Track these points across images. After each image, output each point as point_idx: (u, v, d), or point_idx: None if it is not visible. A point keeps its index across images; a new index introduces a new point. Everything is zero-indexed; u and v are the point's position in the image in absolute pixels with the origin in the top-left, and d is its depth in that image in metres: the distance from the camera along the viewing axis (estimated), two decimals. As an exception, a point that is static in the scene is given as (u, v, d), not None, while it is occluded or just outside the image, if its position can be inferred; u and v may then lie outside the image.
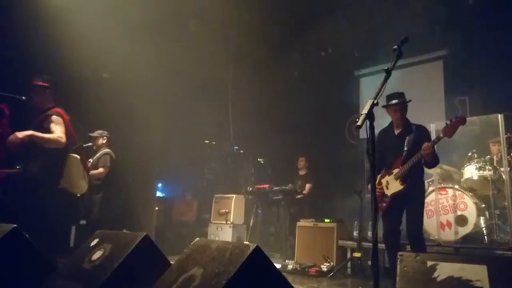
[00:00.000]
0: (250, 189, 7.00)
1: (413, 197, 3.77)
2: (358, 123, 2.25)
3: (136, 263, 2.24)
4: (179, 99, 7.56)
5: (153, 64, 6.74)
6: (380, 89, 2.43)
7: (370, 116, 2.32)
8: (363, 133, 7.20)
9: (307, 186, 7.00)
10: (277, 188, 6.58)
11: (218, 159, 9.09)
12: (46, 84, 4.10)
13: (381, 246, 4.08)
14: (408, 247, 4.07)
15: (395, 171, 3.82)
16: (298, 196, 6.76)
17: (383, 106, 3.94)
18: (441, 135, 3.59)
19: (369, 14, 6.89)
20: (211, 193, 7.78)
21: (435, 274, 1.56)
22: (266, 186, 6.72)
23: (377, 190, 3.87)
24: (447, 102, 6.73)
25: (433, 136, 4.01)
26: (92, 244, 2.53)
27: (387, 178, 3.91)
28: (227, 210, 6.99)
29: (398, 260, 1.67)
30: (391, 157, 3.92)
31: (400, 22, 6.03)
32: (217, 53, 7.68)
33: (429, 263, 1.60)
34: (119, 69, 6.50)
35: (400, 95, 3.91)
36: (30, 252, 2.85)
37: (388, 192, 3.86)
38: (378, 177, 3.96)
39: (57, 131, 3.89)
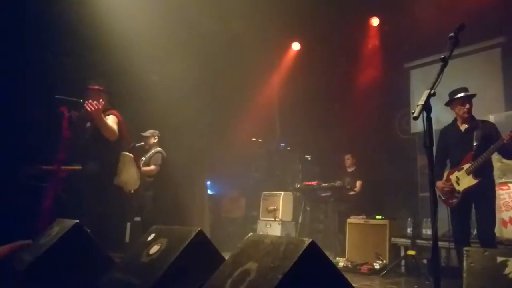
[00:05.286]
0: (298, 186, 6.96)
1: (484, 193, 3.68)
2: (415, 115, 2.18)
3: (191, 257, 2.28)
4: (226, 97, 7.65)
5: (200, 64, 6.87)
6: (437, 79, 2.33)
7: (427, 107, 2.24)
8: (415, 128, 7.01)
9: (358, 183, 6.84)
10: (326, 185, 6.49)
11: (265, 156, 9.10)
12: (101, 88, 4.30)
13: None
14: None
15: (466, 166, 3.72)
16: (350, 193, 6.63)
17: (450, 100, 3.88)
18: None
19: (418, 3, 6.62)
20: (258, 190, 7.82)
21: (507, 271, 1.46)
22: (315, 182, 6.64)
23: (447, 187, 3.84)
24: (506, 92, 6.32)
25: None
26: (149, 238, 2.61)
27: (456, 174, 3.82)
28: (275, 207, 6.99)
29: (465, 255, 1.58)
30: (458, 153, 3.84)
31: (452, 10, 5.75)
32: (262, 52, 7.71)
33: (499, 259, 1.50)
34: (167, 71, 6.68)
35: (465, 89, 3.86)
36: (91, 246, 3.00)
37: (460, 188, 3.77)
38: (445, 174, 3.91)
39: (114, 127, 4.09)
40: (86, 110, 3.88)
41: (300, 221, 6.72)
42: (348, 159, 7.15)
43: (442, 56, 2.43)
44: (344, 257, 5.73)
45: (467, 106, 3.82)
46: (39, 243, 3.09)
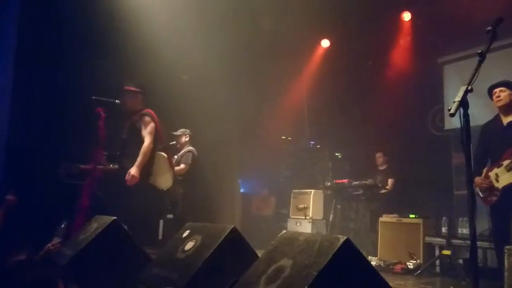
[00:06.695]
0: (329, 184, 6.92)
1: None
2: (451, 111, 2.14)
3: (225, 253, 2.32)
4: (256, 95, 7.69)
5: (229, 63, 6.93)
6: (474, 74, 2.28)
7: (463, 103, 2.19)
8: (449, 124, 6.81)
9: (390, 181, 6.73)
10: (357, 183, 6.42)
11: (294, 154, 9.09)
12: (138, 89, 4.42)
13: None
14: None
15: (506, 162, 3.61)
16: (382, 191, 6.54)
17: (491, 88, 3.76)
18: None
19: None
20: (288, 188, 7.82)
21: (551, 271, 1.42)
22: (345, 180, 6.59)
23: (485, 183, 3.73)
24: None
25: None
26: (184, 235, 2.67)
27: (495, 170, 3.71)
28: (305, 205, 6.97)
29: (506, 254, 1.54)
30: (499, 149, 3.71)
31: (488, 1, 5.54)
32: (291, 49, 7.69)
33: (543, 259, 1.46)
34: (198, 70, 6.78)
35: (503, 80, 3.78)
36: (128, 242, 3.09)
37: (499, 185, 3.66)
38: (484, 170, 3.81)
39: (146, 137, 4.19)
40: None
41: (330, 219, 6.68)
42: (379, 157, 7.06)
43: (479, 51, 2.37)
44: (376, 256, 5.66)
45: (498, 94, 3.71)
46: (78, 238, 3.22)
